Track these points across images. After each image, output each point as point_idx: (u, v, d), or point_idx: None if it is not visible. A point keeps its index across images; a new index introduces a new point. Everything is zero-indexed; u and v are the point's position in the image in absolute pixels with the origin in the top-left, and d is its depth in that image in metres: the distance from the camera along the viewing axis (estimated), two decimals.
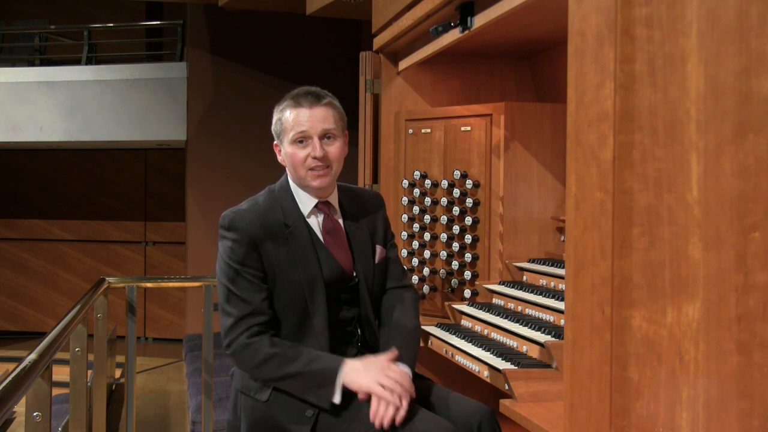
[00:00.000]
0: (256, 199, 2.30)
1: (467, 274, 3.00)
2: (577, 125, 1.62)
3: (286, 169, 2.32)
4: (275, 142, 2.32)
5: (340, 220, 2.34)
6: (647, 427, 1.51)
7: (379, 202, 2.48)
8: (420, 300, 3.15)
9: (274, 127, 2.30)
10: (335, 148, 2.24)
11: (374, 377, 2.08)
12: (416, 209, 3.17)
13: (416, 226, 3.18)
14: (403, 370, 2.14)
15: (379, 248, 2.38)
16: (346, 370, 2.11)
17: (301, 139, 2.23)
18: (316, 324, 2.20)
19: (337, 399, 2.11)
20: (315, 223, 2.29)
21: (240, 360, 2.19)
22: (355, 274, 2.31)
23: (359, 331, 2.32)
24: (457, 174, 3.00)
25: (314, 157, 2.21)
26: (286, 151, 2.27)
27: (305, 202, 2.29)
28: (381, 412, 2.04)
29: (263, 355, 2.14)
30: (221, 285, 2.22)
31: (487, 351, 2.40)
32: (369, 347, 2.34)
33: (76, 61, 9.19)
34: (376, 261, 2.36)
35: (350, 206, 2.37)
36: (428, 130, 3.13)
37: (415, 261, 3.19)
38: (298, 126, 2.22)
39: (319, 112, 2.24)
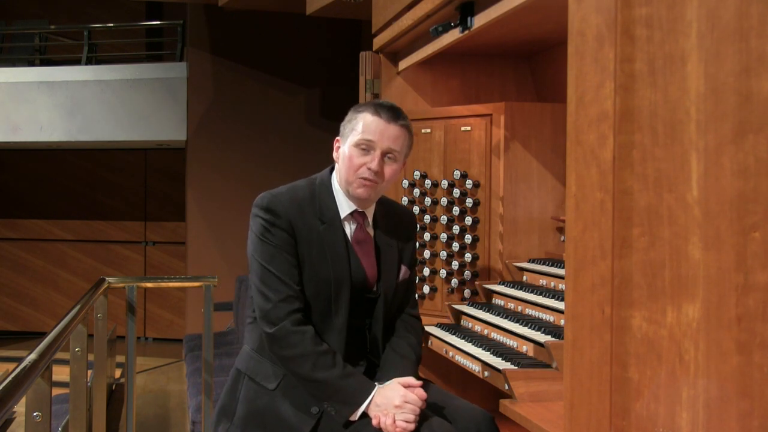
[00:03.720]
0: (295, 186, 2.30)
1: (467, 274, 3.00)
2: (577, 125, 1.62)
3: (336, 166, 2.32)
4: (337, 138, 2.32)
5: (372, 233, 2.35)
6: (647, 427, 1.51)
7: (413, 222, 2.50)
8: (419, 301, 3.16)
9: (344, 124, 2.30)
10: (391, 169, 2.25)
11: (400, 399, 2.08)
12: (416, 209, 3.17)
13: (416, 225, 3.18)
14: (423, 392, 2.12)
15: (404, 268, 2.38)
16: (374, 399, 2.11)
17: (365, 147, 2.23)
18: (336, 323, 2.21)
19: (355, 417, 2.12)
20: (347, 228, 2.30)
21: (278, 345, 2.15)
22: (376, 288, 2.31)
23: (368, 335, 2.33)
24: (457, 174, 3.00)
25: (369, 168, 2.21)
26: (344, 151, 2.26)
27: (343, 205, 2.29)
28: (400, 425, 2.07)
29: (303, 350, 2.12)
30: (256, 263, 2.21)
31: (487, 351, 2.40)
32: (373, 354, 2.34)
33: (76, 61, 9.18)
34: (399, 279, 2.37)
35: (385, 222, 2.38)
36: (428, 130, 3.13)
37: (416, 260, 3.19)
38: (368, 133, 2.22)
39: (393, 130, 2.24)
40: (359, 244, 2.30)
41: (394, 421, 2.05)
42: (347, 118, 2.30)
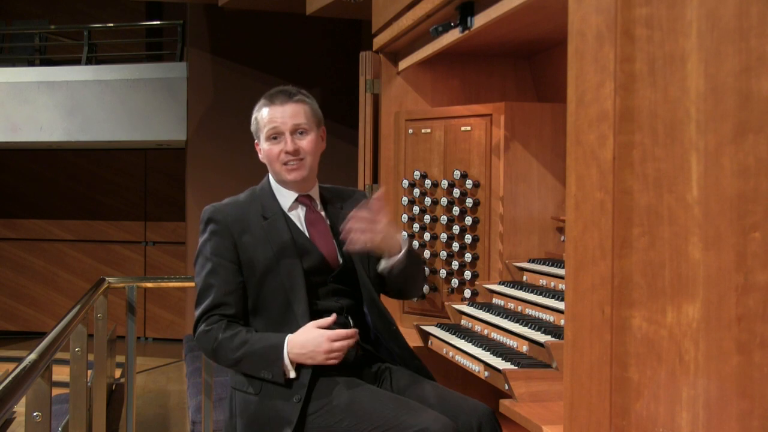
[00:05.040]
0: (236, 196, 2.40)
1: (467, 274, 3.00)
2: (577, 125, 1.61)
3: (268, 167, 2.40)
4: (256, 142, 2.41)
5: (323, 213, 2.41)
6: (647, 427, 1.51)
7: (362, 195, 2.56)
8: (420, 300, 3.16)
9: (252, 127, 2.40)
10: (307, 142, 2.33)
11: (319, 358, 2.17)
12: (416, 209, 3.17)
13: (416, 226, 3.18)
14: (342, 332, 2.20)
15: None
16: (289, 348, 2.18)
17: (275, 135, 2.32)
18: (297, 311, 2.25)
19: (291, 374, 2.18)
20: (296, 216, 2.36)
21: (201, 348, 2.29)
22: (341, 262, 2.35)
23: (351, 320, 2.34)
24: (457, 174, 3.00)
25: (286, 152, 2.30)
26: (263, 148, 2.37)
27: (286, 196, 2.37)
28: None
29: (218, 341, 2.21)
30: (197, 277, 2.31)
31: (487, 351, 2.40)
32: (366, 336, 2.35)
33: (76, 61, 9.19)
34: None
35: (332, 200, 2.45)
36: (428, 130, 3.13)
37: None
38: (271, 122, 2.32)
39: (290, 108, 2.32)
40: (313, 225, 2.36)
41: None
42: (252, 119, 2.40)
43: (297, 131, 2.32)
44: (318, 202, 2.41)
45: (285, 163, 2.30)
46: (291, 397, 2.18)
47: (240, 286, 2.27)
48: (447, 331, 2.73)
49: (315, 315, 2.26)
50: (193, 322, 2.31)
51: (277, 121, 2.31)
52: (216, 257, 2.26)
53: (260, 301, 2.28)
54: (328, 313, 2.29)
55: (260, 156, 2.41)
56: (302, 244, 2.31)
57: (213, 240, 2.28)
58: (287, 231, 2.31)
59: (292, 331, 2.22)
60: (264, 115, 2.34)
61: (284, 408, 2.18)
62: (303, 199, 2.37)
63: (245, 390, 2.25)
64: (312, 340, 2.16)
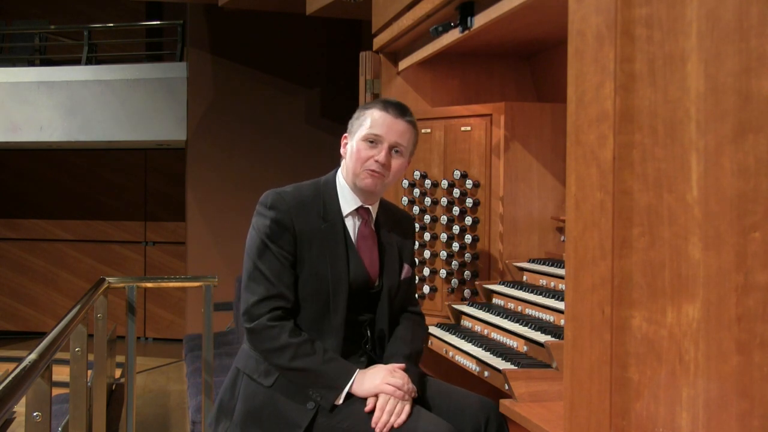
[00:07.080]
0: (300, 186, 2.35)
1: (467, 274, 3.00)
2: (577, 125, 1.61)
3: (342, 164, 2.37)
4: (345, 134, 2.38)
5: (375, 231, 2.39)
6: (647, 427, 1.51)
7: (412, 225, 2.55)
8: (420, 301, 3.16)
9: (352, 121, 2.36)
10: (397, 164, 2.31)
11: (381, 379, 2.14)
12: (416, 209, 3.17)
13: (416, 226, 3.18)
14: (406, 374, 2.18)
15: (406, 266, 2.42)
16: (356, 379, 2.16)
17: (373, 140, 2.29)
18: (334, 321, 2.24)
19: (339, 401, 2.16)
20: (351, 224, 2.34)
21: (257, 339, 2.20)
22: (378, 282, 2.35)
23: (369, 333, 2.34)
24: (457, 174, 3.00)
25: (377, 161, 2.27)
26: (352, 146, 2.32)
27: (349, 201, 2.33)
28: (388, 408, 2.10)
29: (282, 342, 2.16)
30: (249, 260, 2.25)
31: (487, 351, 2.40)
32: (374, 350, 2.35)
33: (76, 61, 9.18)
34: (402, 277, 2.40)
35: (385, 222, 2.42)
36: (428, 130, 3.13)
37: (415, 261, 3.19)
38: (376, 127, 2.29)
39: (400, 125, 2.31)
40: (363, 240, 2.34)
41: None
42: (355, 115, 2.36)
43: (394, 148, 2.29)
44: (374, 216, 2.38)
45: (369, 169, 2.27)
46: (305, 402, 2.17)
47: (295, 279, 2.24)
48: (447, 331, 2.73)
49: (345, 325, 2.25)
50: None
51: (383, 130, 2.28)
52: (276, 246, 2.22)
53: (299, 299, 2.26)
54: (356, 325, 2.30)
55: (342, 150, 2.37)
56: (352, 256, 2.30)
57: (274, 227, 2.23)
58: (343, 239, 2.29)
59: (325, 339, 2.22)
60: (372, 117, 2.30)
61: (295, 411, 2.16)
62: (362, 211, 2.34)
63: (256, 379, 2.23)
64: (375, 376, 2.16)
